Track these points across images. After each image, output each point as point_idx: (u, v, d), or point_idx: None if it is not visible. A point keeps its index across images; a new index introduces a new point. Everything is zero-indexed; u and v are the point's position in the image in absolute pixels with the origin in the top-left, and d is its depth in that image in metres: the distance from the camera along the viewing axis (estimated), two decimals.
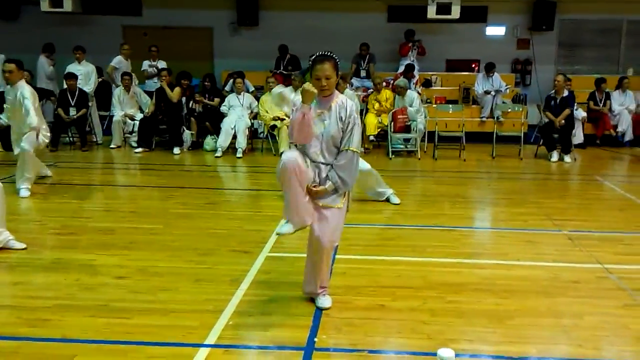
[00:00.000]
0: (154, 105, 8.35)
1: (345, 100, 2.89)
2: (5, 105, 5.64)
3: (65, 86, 8.43)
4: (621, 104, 9.30)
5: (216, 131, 8.23)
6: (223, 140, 7.97)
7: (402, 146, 8.32)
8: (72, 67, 8.82)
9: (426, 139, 8.45)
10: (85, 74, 8.88)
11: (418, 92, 9.00)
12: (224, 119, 8.15)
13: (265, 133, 8.41)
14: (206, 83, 8.71)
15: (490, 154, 8.18)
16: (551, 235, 4.42)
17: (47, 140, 5.59)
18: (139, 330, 2.74)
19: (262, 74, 9.45)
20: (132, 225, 4.51)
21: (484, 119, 9.47)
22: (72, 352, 2.54)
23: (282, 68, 9.97)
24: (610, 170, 7.84)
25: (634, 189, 6.17)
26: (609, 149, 9.02)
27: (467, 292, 3.26)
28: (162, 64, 9.32)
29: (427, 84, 10.10)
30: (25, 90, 5.24)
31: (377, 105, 8.37)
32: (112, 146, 8.48)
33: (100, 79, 9.31)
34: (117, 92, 8.74)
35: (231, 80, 9.00)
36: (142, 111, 8.71)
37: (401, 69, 9.73)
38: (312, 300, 3.05)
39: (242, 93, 8.40)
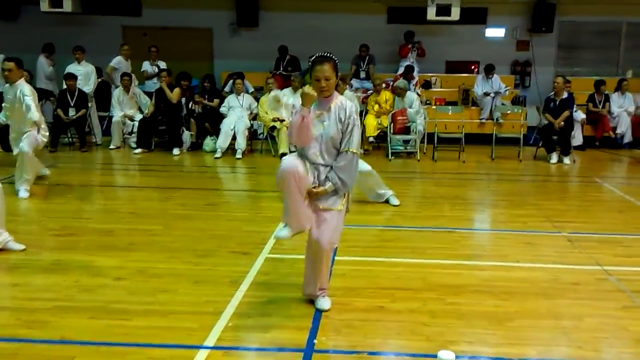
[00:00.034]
0: (154, 106, 8.35)
1: (345, 102, 2.90)
2: (3, 104, 5.61)
3: (64, 87, 8.43)
4: (620, 106, 9.31)
5: (215, 132, 8.23)
6: (222, 141, 7.97)
7: (401, 147, 8.32)
8: (72, 68, 8.82)
9: (426, 141, 8.46)
10: (84, 75, 8.88)
11: (418, 94, 9.01)
12: (223, 119, 8.14)
13: (265, 134, 8.41)
14: (206, 84, 8.71)
15: (490, 155, 8.19)
16: (551, 237, 4.42)
17: (45, 140, 5.58)
18: (138, 332, 2.74)
19: (261, 75, 9.44)
20: (132, 227, 4.51)
21: (483, 120, 9.47)
22: (71, 354, 2.53)
23: (281, 69, 9.97)
24: (609, 172, 7.85)
25: (633, 191, 6.17)
26: (608, 150, 9.03)
27: (467, 293, 3.26)
28: (162, 65, 9.32)
29: (426, 85, 10.11)
30: (25, 88, 5.22)
31: (376, 107, 8.37)
32: (111, 147, 8.48)
33: (99, 80, 9.31)
34: (117, 92, 8.73)
35: (231, 81, 9.00)
36: (141, 112, 8.71)
37: (401, 70, 9.74)
38: (312, 301, 3.05)
39: (241, 94, 8.39)
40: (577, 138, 8.79)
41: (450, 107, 8.85)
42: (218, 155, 7.90)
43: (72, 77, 8.37)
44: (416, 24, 10.08)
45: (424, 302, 3.12)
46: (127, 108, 8.67)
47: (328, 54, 2.84)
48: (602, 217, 5.15)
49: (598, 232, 4.55)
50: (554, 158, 7.90)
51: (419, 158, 7.99)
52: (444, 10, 9.51)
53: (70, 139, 8.70)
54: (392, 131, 8.01)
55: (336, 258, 3.67)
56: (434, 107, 9.06)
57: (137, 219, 4.80)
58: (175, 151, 8.11)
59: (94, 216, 4.98)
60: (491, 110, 9.33)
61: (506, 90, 9.59)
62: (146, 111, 8.49)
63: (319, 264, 2.95)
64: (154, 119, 8.29)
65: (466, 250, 4.15)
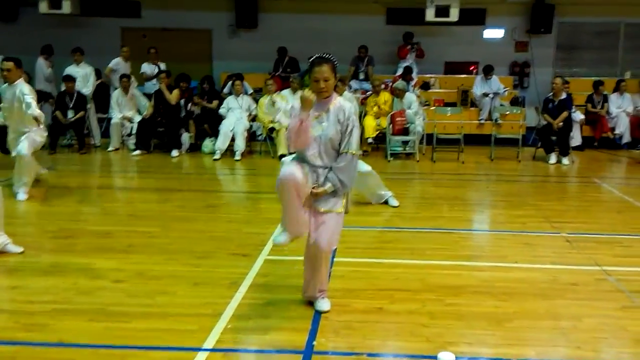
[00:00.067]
0: (153, 107, 8.35)
1: (344, 103, 2.90)
2: (2, 105, 5.59)
3: (63, 88, 8.43)
4: (619, 107, 9.32)
5: (214, 133, 8.22)
6: (221, 143, 7.96)
7: (400, 149, 8.32)
8: (71, 69, 8.82)
9: (425, 142, 8.46)
10: (83, 76, 8.87)
11: (416, 95, 9.01)
12: (222, 121, 8.14)
13: (264, 135, 8.41)
14: (205, 85, 8.71)
15: (489, 156, 8.19)
16: (549, 238, 4.42)
17: (43, 140, 5.56)
18: (137, 335, 2.73)
19: (261, 76, 9.45)
20: (130, 229, 4.50)
21: (482, 121, 9.48)
22: (69, 357, 2.53)
23: (280, 70, 9.97)
24: (608, 172, 7.86)
25: (631, 191, 6.18)
26: (607, 151, 9.04)
27: (466, 294, 3.26)
28: (162, 66, 9.32)
29: (425, 86, 10.11)
30: (24, 87, 5.19)
31: (375, 109, 8.37)
32: (110, 149, 8.47)
33: (98, 81, 9.31)
34: (116, 94, 8.73)
35: (230, 83, 9.00)
36: (140, 113, 8.70)
37: (400, 71, 9.75)
38: (311, 303, 3.05)
39: (240, 95, 8.39)
40: (575, 138, 8.81)
41: (449, 108, 8.86)
42: (217, 156, 7.89)
43: (71, 79, 8.37)
44: (415, 25, 10.08)
45: (423, 303, 3.12)
46: (126, 110, 8.67)
47: (327, 55, 2.85)
48: (601, 217, 5.15)
49: (597, 232, 4.55)
50: (553, 158, 7.91)
51: (418, 159, 7.99)
52: (442, 11, 9.52)
53: (69, 141, 8.69)
54: (391, 132, 8.02)
55: (335, 259, 3.67)
56: (432, 108, 9.07)
57: (135, 221, 4.80)
58: (174, 153, 8.10)
59: (92, 218, 4.97)
60: (490, 111, 9.34)
61: (505, 91, 9.60)
62: (145, 113, 8.49)
63: (318, 266, 2.95)
64: (152, 120, 8.29)
65: (465, 251, 4.15)
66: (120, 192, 6.28)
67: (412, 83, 9.58)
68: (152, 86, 9.05)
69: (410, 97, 8.41)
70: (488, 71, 9.55)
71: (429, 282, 3.43)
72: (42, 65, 9.41)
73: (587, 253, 4.00)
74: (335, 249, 3.54)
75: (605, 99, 9.38)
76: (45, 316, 2.91)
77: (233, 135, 8.00)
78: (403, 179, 6.87)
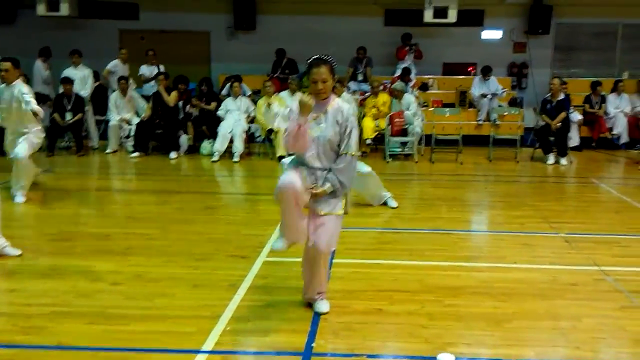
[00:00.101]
0: (151, 109, 8.34)
1: (342, 104, 2.90)
2: (0, 106, 5.57)
3: (61, 90, 8.42)
4: (617, 107, 9.34)
5: (213, 135, 8.22)
6: (220, 145, 7.96)
7: (399, 149, 8.32)
8: (69, 72, 8.81)
9: (423, 143, 8.47)
10: (81, 78, 8.87)
11: (415, 96, 9.02)
12: (221, 123, 8.14)
13: (263, 137, 8.40)
14: (203, 87, 8.70)
15: (487, 157, 8.20)
16: (548, 238, 4.42)
17: (40, 142, 5.53)
18: (135, 337, 2.73)
19: (259, 78, 9.45)
20: (129, 231, 4.50)
21: (480, 122, 9.49)
22: None
23: (279, 72, 9.98)
24: (606, 172, 7.87)
25: (629, 192, 6.19)
26: (605, 151, 9.06)
27: (465, 295, 3.26)
28: (160, 68, 9.32)
29: (424, 87, 10.13)
30: (23, 87, 5.17)
31: (374, 110, 8.37)
32: (108, 151, 8.46)
33: (96, 84, 9.30)
34: (114, 96, 8.72)
35: (228, 84, 9.00)
36: (138, 115, 8.70)
37: (398, 72, 9.75)
38: (310, 304, 3.05)
39: (239, 97, 8.39)
40: (573, 139, 8.82)
41: (447, 109, 8.87)
42: (215, 158, 7.89)
43: (69, 81, 8.36)
44: (413, 26, 10.10)
45: (423, 304, 3.12)
46: (124, 112, 8.66)
47: (325, 57, 2.85)
48: (599, 217, 5.16)
49: (595, 232, 4.56)
50: (551, 159, 7.92)
51: (416, 160, 8.00)
52: (440, 12, 9.54)
53: (67, 143, 8.68)
54: (389, 133, 8.03)
55: (334, 261, 3.67)
56: (431, 109, 9.08)
57: (134, 223, 4.79)
58: (173, 155, 8.09)
59: (90, 221, 4.96)
60: (488, 111, 9.35)
61: (503, 92, 9.62)
62: (143, 115, 8.48)
63: (316, 268, 2.94)
64: (151, 122, 8.28)
65: (464, 252, 4.16)
66: (119, 195, 6.27)
67: (411, 84, 9.59)
68: (151, 88, 9.05)
69: (409, 98, 8.42)
70: (486, 72, 9.57)
71: (428, 283, 3.43)
72: (39, 68, 9.41)
73: (586, 253, 4.00)
74: (334, 251, 3.54)
75: (603, 100, 9.40)
76: (44, 319, 2.90)
77: (231, 137, 8.00)
78: (402, 180, 6.87)
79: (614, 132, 9.25)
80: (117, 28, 10.73)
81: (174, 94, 8.32)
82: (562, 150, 7.94)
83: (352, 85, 9.80)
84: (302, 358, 2.56)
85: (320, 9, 10.25)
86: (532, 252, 4.08)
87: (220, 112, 8.31)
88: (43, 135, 5.60)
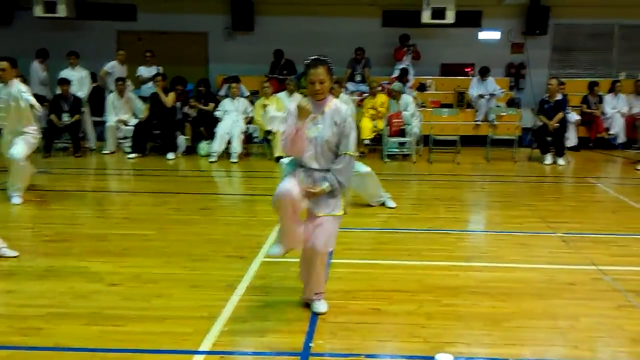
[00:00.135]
0: (148, 110, 8.33)
1: (339, 105, 2.90)
2: None
3: (58, 92, 8.40)
4: (614, 107, 9.37)
5: (211, 136, 8.21)
6: (218, 145, 7.95)
7: (397, 150, 8.33)
8: (66, 73, 8.79)
9: (421, 143, 8.47)
10: (79, 80, 8.86)
11: (413, 96, 9.03)
12: (218, 123, 8.13)
13: (261, 138, 8.40)
14: (200, 88, 8.70)
15: (485, 157, 8.21)
16: (546, 238, 4.43)
17: (37, 142, 5.50)
18: (133, 338, 2.72)
19: (257, 79, 9.46)
20: (126, 232, 4.48)
21: (478, 122, 9.51)
22: None
23: (277, 73, 9.98)
24: (603, 172, 7.89)
25: (626, 191, 6.20)
26: (602, 151, 9.08)
27: (464, 295, 3.26)
28: (156, 70, 9.31)
29: (421, 88, 10.14)
30: (20, 85, 5.13)
31: (372, 111, 8.38)
32: (105, 152, 8.45)
33: (94, 85, 9.28)
34: (111, 97, 8.71)
35: (226, 85, 9.00)
36: (136, 116, 8.68)
37: (396, 73, 9.77)
38: (308, 305, 3.04)
39: (237, 98, 8.39)
40: (571, 139, 8.84)
41: (445, 110, 8.88)
42: (213, 159, 7.88)
43: (66, 82, 8.35)
44: (411, 27, 10.12)
45: (421, 304, 3.11)
46: (122, 113, 8.65)
47: (322, 57, 2.85)
48: (597, 217, 5.17)
49: (593, 232, 4.56)
50: (549, 159, 7.94)
51: (414, 160, 8.00)
52: (438, 13, 9.55)
53: (64, 144, 8.65)
54: (387, 133, 8.03)
55: (333, 261, 3.66)
56: (429, 109, 9.09)
57: (131, 224, 4.77)
58: (170, 155, 8.08)
59: (87, 222, 4.94)
60: (486, 112, 9.37)
61: (501, 93, 9.64)
62: (141, 116, 8.47)
63: (314, 268, 2.94)
64: (148, 123, 8.27)
65: (462, 251, 4.16)
66: (116, 195, 6.25)
67: (409, 85, 9.60)
68: (148, 89, 9.03)
69: (407, 98, 8.43)
70: (484, 73, 9.59)
71: (426, 283, 3.43)
72: (37, 69, 9.39)
73: (583, 253, 4.01)
74: (332, 251, 3.53)
75: (601, 100, 9.43)
76: (41, 320, 2.88)
77: (229, 137, 7.99)
78: (400, 180, 6.88)
79: (611, 132, 9.28)
80: (115, 29, 10.71)
81: (171, 94, 8.31)
82: (560, 150, 7.96)
83: (350, 86, 9.80)
84: (300, 358, 2.55)
85: (318, 10, 10.26)
86: (530, 251, 4.08)
87: (218, 113, 8.30)
88: (40, 136, 5.58)
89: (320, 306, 2.99)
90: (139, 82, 9.54)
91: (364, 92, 9.31)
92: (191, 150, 8.44)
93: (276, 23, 10.41)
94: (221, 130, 8.00)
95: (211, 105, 8.53)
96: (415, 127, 8.18)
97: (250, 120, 8.37)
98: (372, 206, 5.21)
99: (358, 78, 9.91)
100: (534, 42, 10.62)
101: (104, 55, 9.52)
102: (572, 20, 10.57)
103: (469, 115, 9.59)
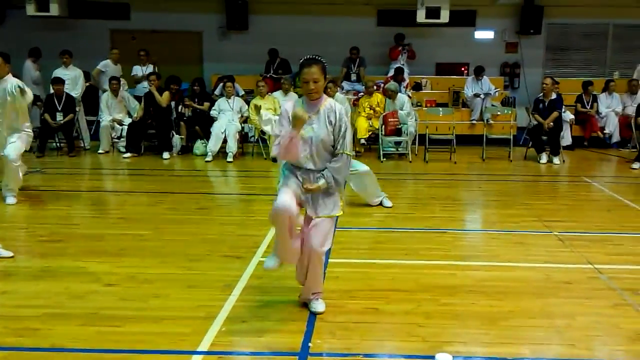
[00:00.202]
0: (143, 109, 8.28)
1: (334, 104, 2.90)
2: None
3: (52, 91, 8.34)
4: (608, 107, 9.42)
5: (206, 135, 8.18)
6: (213, 145, 7.92)
7: (393, 149, 8.34)
8: (59, 72, 8.72)
9: (417, 142, 8.49)
10: (72, 79, 8.79)
11: (408, 96, 9.04)
12: (214, 123, 8.10)
13: (256, 137, 8.38)
14: (195, 87, 8.66)
15: (481, 156, 8.24)
16: (542, 237, 4.45)
17: (30, 139, 5.44)
18: (130, 338, 2.70)
19: (252, 78, 9.42)
20: (122, 232, 4.46)
21: (473, 121, 9.53)
22: None
23: (272, 72, 9.96)
24: (598, 171, 7.94)
25: (621, 190, 6.24)
26: (597, 150, 9.13)
27: (461, 294, 3.27)
28: (151, 69, 9.26)
29: (417, 87, 10.16)
30: (15, 81, 5.03)
31: (368, 110, 8.38)
32: (100, 151, 8.39)
33: (87, 84, 9.22)
34: (105, 96, 8.66)
35: (221, 85, 8.97)
36: (130, 116, 8.63)
37: (391, 72, 9.78)
38: (306, 305, 3.04)
39: (232, 97, 8.36)
40: (566, 138, 8.88)
41: (440, 109, 8.89)
42: (209, 158, 7.85)
43: (60, 81, 8.28)
44: (406, 27, 10.13)
45: (419, 304, 3.12)
46: (116, 112, 8.60)
47: (316, 57, 2.84)
48: (592, 215, 5.19)
49: (588, 231, 4.59)
50: (544, 158, 7.98)
51: (410, 159, 8.02)
52: (433, 12, 9.57)
53: (58, 144, 8.58)
54: (383, 133, 8.04)
55: (330, 260, 3.66)
56: (424, 108, 9.10)
57: (127, 224, 4.75)
58: (165, 155, 8.05)
59: (83, 222, 4.91)
60: (481, 111, 9.39)
61: (496, 92, 9.67)
62: (135, 115, 8.42)
63: (312, 268, 2.94)
64: (143, 122, 8.22)
65: (459, 250, 4.17)
66: (111, 195, 6.22)
67: (404, 84, 9.62)
68: (143, 89, 8.98)
69: (403, 98, 8.44)
70: (479, 72, 9.61)
71: (423, 282, 3.43)
72: (29, 68, 9.31)
73: (580, 251, 4.03)
74: (330, 250, 3.53)
75: (595, 99, 9.48)
76: (36, 321, 2.86)
77: (225, 137, 7.96)
78: (396, 179, 6.88)
79: (606, 131, 9.33)
80: (108, 28, 10.65)
81: (166, 94, 8.27)
82: (555, 149, 8.00)
83: (346, 85, 9.81)
84: (299, 358, 2.55)
85: (312, 9, 10.25)
86: (526, 250, 4.10)
87: (213, 113, 8.27)
88: (31, 133, 5.48)
89: (318, 306, 2.99)
90: (134, 82, 9.49)
91: (360, 92, 9.32)
92: (186, 150, 8.41)
93: (271, 22, 10.39)
94: (216, 129, 7.97)
95: (206, 104, 8.50)
96: (411, 126, 8.19)
97: (245, 120, 8.35)
98: (372, 206, 5.19)
99: (353, 77, 9.91)
100: (528, 41, 10.67)
101: (97, 54, 9.46)
102: (565, 19, 10.63)
103: (465, 114, 9.61)
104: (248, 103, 8.42)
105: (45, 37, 9.86)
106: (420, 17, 9.62)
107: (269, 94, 8.41)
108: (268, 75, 9.77)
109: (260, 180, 6.91)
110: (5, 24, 10.54)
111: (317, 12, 10.28)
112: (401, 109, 8.22)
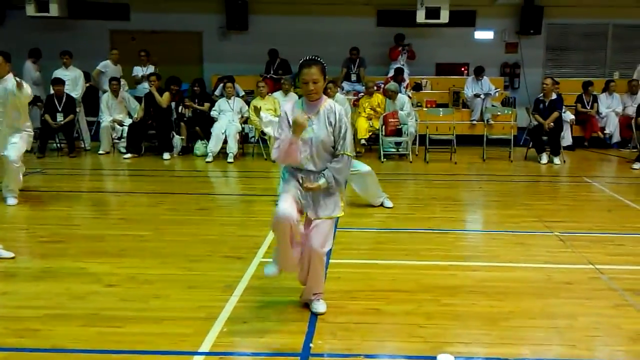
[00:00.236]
0: (143, 110, 8.28)
1: (334, 105, 2.89)
2: None
3: (52, 92, 8.34)
4: (608, 107, 9.43)
5: (206, 136, 8.18)
6: (214, 145, 7.92)
7: (393, 149, 8.34)
8: (59, 73, 8.73)
9: (417, 142, 8.49)
10: (72, 79, 8.79)
11: (408, 96, 9.04)
12: (214, 123, 8.10)
13: (257, 137, 8.38)
14: (195, 88, 8.66)
15: (481, 156, 8.24)
16: (542, 237, 4.44)
17: (30, 140, 5.43)
18: (130, 339, 2.70)
19: (252, 78, 9.43)
20: (122, 232, 4.45)
21: (474, 122, 9.53)
22: None
23: (272, 72, 9.96)
24: (598, 171, 7.94)
25: (622, 190, 6.24)
26: (597, 150, 9.13)
27: (462, 294, 3.27)
28: (152, 69, 9.26)
29: (417, 87, 10.16)
30: (15, 80, 5.05)
31: (369, 110, 8.38)
32: (100, 152, 8.39)
33: (87, 85, 9.22)
34: (105, 97, 8.66)
35: (221, 85, 8.97)
36: (130, 116, 8.63)
37: (391, 72, 9.78)
38: (307, 305, 3.04)
39: (232, 97, 8.36)
40: (566, 138, 8.88)
41: (441, 109, 8.89)
42: (209, 159, 7.85)
43: (60, 82, 8.28)
44: (406, 27, 10.13)
45: (420, 304, 3.11)
46: (116, 113, 8.60)
47: (315, 57, 2.84)
48: (593, 216, 5.19)
49: (589, 231, 4.59)
50: (544, 158, 7.97)
51: (411, 160, 8.02)
52: (433, 13, 9.57)
53: (58, 145, 8.59)
54: (383, 133, 8.03)
55: (331, 261, 3.66)
56: (425, 109, 9.10)
57: (127, 224, 4.74)
58: (166, 156, 8.05)
59: (83, 222, 4.91)
60: (481, 111, 9.39)
61: (496, 92, 9.67)
62: (135, 116, 8.42)
63: (312, 268, 2.93)
64: (143, 123, 8.22)
65: (460, 251, 4.16)
66: (112, 196, 6.21)
67: (404, 84, 9.62)
68: (143, 89, 8.99)
69: (403, 98, 8.44)
70: (479, 72, 9.61)
71: (424, 282, 3.43)
72: (29, 69, 9.31)
73: (580, 252, 4.03)
74: (331, 250, 3.53)
75: (595, 99, 9.49)
76: (37, 322, 2.86)
77: (225, 137, 7.96)
78: (396, 180, 6.88)
79: (606, 131, 9.33)
80: (108, 29, 10.65)
81: (166, 94, 8.27)
82: (555, 149, 8.00)
83: (346, 85, 9.81)
84: (300, 359, 2.55)
85: (312, 9, 10.25)
86: (527, 251, 4.09)
87: (213, 113, 8.27)
88: (32, 132, 5.47)
89: (320, 306, 2.99)
90: (135, 82, 9.49)
91: (360, 92, 9.31)
92: (187, 151, 8.41)
93: (271, 22, 10.39)
94: (217, 130, 7.97)
95: (206, 105, 8.50)
96: (412, 126, 8.19)
97: (246, 120, 8.35)
98: (373, 206, 5.19)
99: (353, 78, 9.91)
100: (528, 41, 10.68)
101: (97, 55, 9.46)
102: (565, 20, 10.63)
103: (465, 114, 9.61)
104: (248, 103, 8.41)
105: (45, 38, 9.86)
106: (420, 17, 9.63)
107: (269, 94, 8.41)
108: (268, 76, 9.77)
109: (260, 181, 6.92)
110: (5, 24, 10.54)
111: (317, 12, 10.28)
112: (401, 110, 8.22)
